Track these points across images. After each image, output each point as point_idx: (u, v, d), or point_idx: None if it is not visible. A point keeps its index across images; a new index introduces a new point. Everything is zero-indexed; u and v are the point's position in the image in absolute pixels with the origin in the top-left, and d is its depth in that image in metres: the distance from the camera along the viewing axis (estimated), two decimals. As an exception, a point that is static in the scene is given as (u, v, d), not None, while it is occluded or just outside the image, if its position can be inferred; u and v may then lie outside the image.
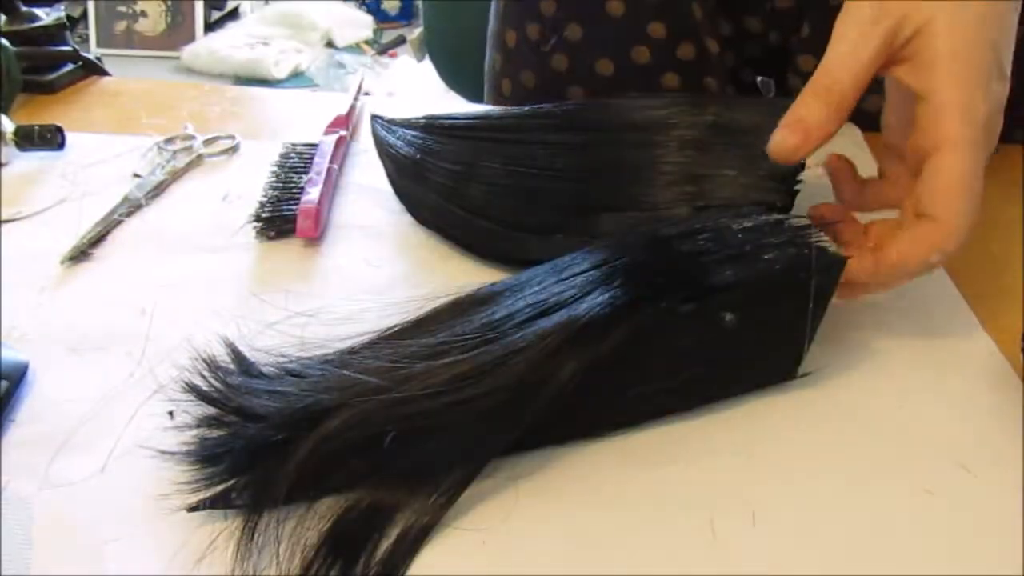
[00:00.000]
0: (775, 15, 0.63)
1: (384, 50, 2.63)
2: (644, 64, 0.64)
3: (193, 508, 0.34)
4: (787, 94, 0.65)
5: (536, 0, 0.65)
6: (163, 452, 0.36)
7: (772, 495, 0.36)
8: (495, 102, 0.74)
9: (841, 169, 0.44)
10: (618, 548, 0.34)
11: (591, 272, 0.38)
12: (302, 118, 0.65)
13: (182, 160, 0.59)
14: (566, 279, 0.38)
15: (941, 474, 0.37)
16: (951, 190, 0.38)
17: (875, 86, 0.40)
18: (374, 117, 0.57)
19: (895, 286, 0.41)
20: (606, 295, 0.36)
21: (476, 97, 0.80)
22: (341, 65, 2.51)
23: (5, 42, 0.63)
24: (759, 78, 0.70)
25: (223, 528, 0.34)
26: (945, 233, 0.38)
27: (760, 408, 0.40)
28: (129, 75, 0.92)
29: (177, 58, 2.44)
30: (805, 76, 0.62)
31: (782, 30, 0.64)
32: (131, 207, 0.54)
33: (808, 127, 0.39)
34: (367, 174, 0.58)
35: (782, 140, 0.39)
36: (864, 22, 0.38)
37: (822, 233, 0.39)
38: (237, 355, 0.38)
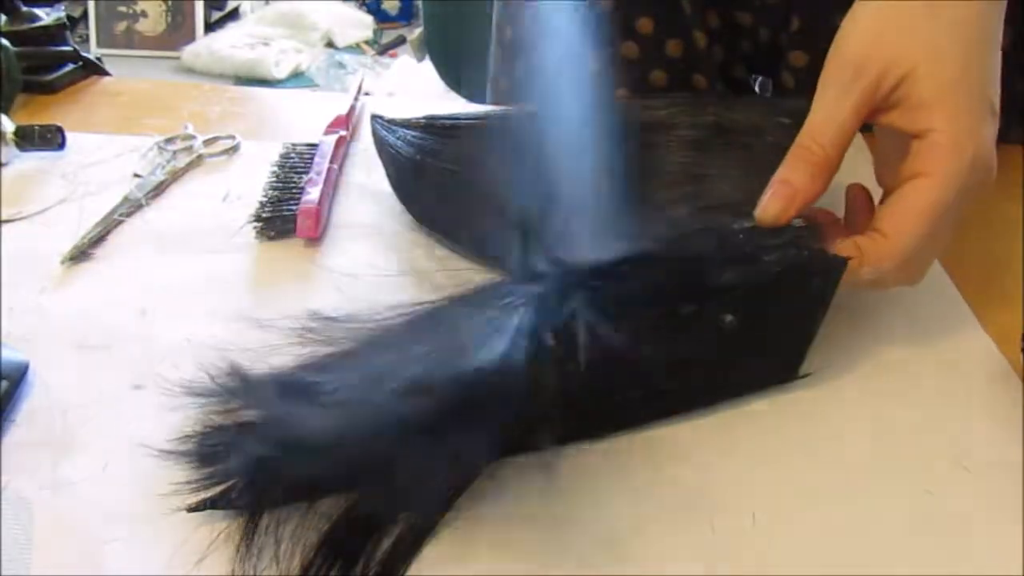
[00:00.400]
0: (764, 10, 0.63)
1: (384, 50, 2.63)
2: (633, 59, 0.63)
3: (193, 508, 0.34)
4: (782, 92, 0.65)
5: None
6: (163, 452, 0.36)
7: (772, 495, 0.36)
8: (493, 99, 0.73)
9: (859, 199, 0.44)
10: (619, 548, 0.34)
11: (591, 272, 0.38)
12: (302, 118, 0.65)
13: (182, 160, 0.59)
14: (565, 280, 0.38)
15: (941, 474, 0.37)
16: (911, 211, 0.37)
17: None
18: (374, 117, 0.56)
19: None
20: (607, 296, 0.36)
21: (476, 97, 0.80)
22: (341, 65, 2.51)
23: (5, 42, 0.63)
24: (758, 78, 0.70)
25: (223, 528, 0.34)
26: (886, 249, 0.38)
27: (760, 408, 0.40)
28: (129, 75, 0.92)
29: (177, 58, 2.43)
30: (798, 72, 0.62)
31: (772, 25, 0.64)
32: (131, 207, 0.54)
33: (794, 190, 0.39)
34: (367, 174, 0.58)
35: (768, 205, 0.39)
36: (843, 82, 0.39)
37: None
38: (236, 355, 0.38)
